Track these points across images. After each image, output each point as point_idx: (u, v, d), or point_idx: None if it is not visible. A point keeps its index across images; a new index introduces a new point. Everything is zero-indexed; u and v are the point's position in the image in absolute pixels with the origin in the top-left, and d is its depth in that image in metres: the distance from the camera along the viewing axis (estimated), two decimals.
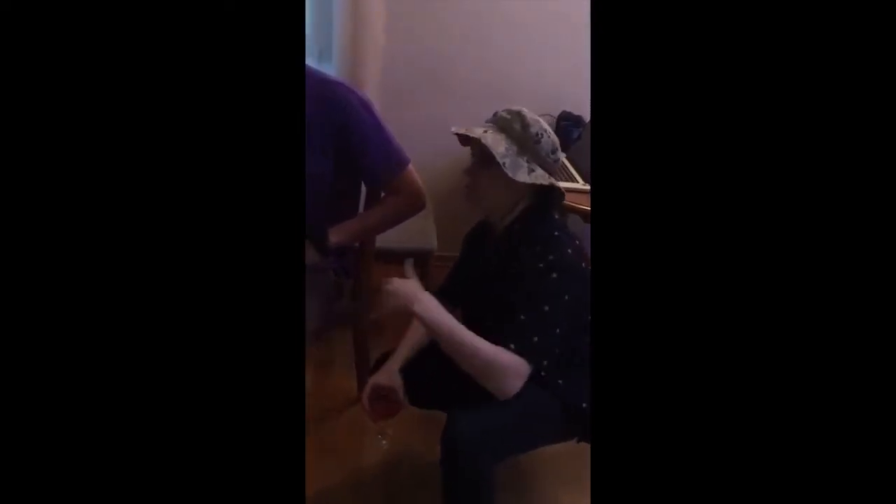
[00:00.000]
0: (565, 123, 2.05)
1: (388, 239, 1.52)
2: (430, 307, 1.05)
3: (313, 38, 2.01)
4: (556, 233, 1.11)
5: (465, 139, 1.15)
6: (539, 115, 1.13)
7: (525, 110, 1.12)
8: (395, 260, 2.06)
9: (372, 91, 1.97)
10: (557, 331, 1.06)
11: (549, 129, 1.13)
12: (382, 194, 1.39)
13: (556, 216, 1.16)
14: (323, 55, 2.02)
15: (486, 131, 1.10)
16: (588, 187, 1.68)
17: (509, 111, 1.12)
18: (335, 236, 1.29)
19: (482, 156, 1.11)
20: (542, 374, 1.05)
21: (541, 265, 1.05)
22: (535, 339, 1.04)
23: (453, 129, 1.13)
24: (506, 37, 2.09)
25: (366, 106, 1.28)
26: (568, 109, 2.09)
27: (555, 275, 1.05)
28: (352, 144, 1.27)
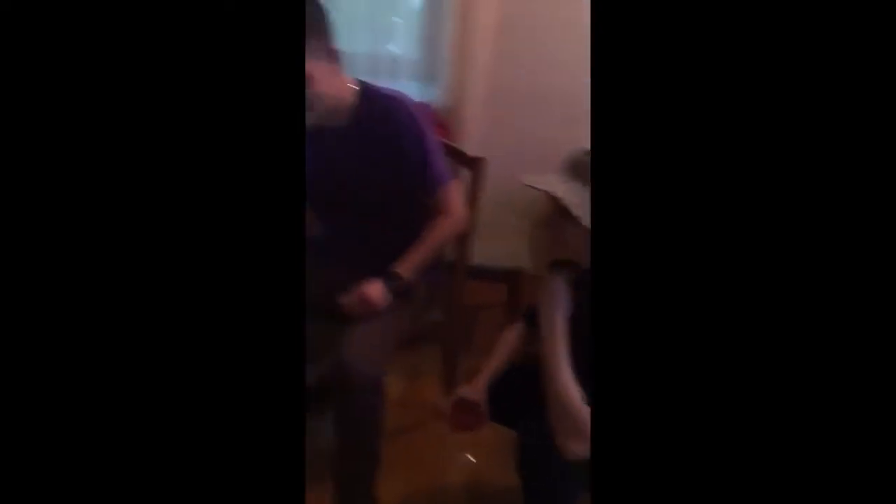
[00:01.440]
0: None
1: (481, 256, 1.54)
2: (559, 324, 1.00)
3: (422, 61, 2.09)
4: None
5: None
6: None
7: None
8: (488, 278, 2.08)
9: (475, 114, 2.02)
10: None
11: None
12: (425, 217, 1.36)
13: None
14: (430, 77, 2.10)
15: (560, 180, 0.99)
16: None
17: (587, 153, 0.99)
18: (409, 272, 1.31)
19: (558, 206, 0.99)
20: None
21: None
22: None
23: (525, 182, 1.02)
24: None
25: (413, 118, 1.27)
26: None
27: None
28: (399, 157, 1.28)
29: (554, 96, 2.12)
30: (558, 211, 1.01)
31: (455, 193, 1.34)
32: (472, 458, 1.23)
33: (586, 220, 0.96)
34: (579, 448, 0.95)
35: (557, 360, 0.98)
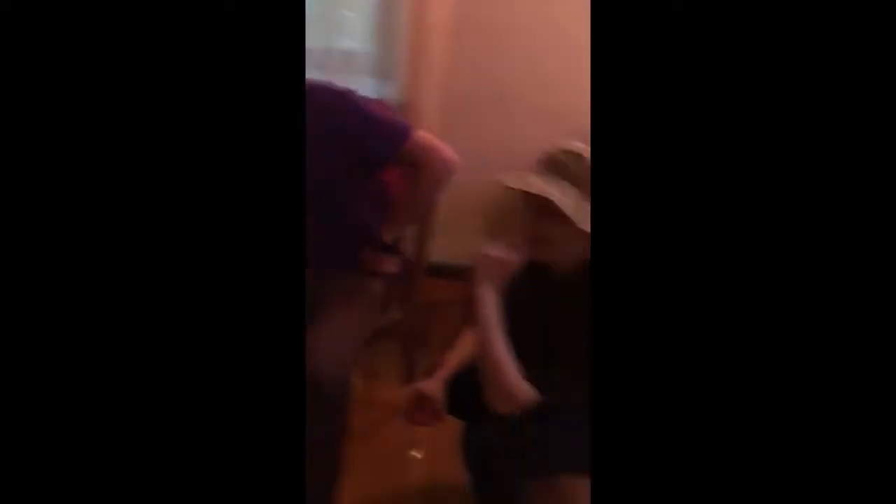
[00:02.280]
0: None
1: (441, 253, 1.54)
2: (492, 303, 1.00)
3: (377, 59, 2.07)
4: None
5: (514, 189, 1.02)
6: (576, 149, 1.04)
7: (581, 147, 1.01)
8: (447, 275, 2.07)
9: (431, 112, 2.01)
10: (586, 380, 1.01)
11: None
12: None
13: None
14: (385, 75, 2.08)
15: (542, 180, 0.98)
16: None
17: (565, 152, 1.01)
18: (387, 233, 1.32)
19: (543, 205, 0.99)
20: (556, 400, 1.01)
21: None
22: (556, 376, 1.01)
23: (507, 183, 1.01)
24: (566, 55, 2.09)
25: (349, 97, 1.25)
26: None
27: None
28: (353, 139, 1.25)
29: (511, 94, 2.14)
30: (541, 211, 1.00)
31: (424, 138, 1.27)
32: (417, 455, 1.24)
33: (577, 218, 0.96)
34: (508, 408, 1.00)
35: (492, 330, 1.00)
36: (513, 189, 1.01)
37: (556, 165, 1.00)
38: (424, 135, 1.28)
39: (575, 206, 0.97)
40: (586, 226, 0.97)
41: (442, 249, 1.67)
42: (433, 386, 1.21)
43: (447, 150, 1.29)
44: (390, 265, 1.33)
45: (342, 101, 1.25)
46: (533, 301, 1.16)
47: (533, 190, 0.98)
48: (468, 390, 1.19)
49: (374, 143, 1.26)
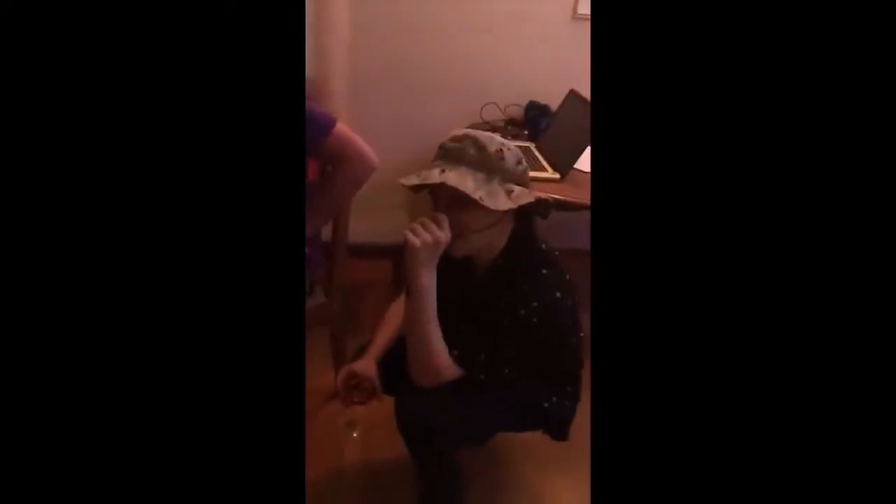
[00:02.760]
0: (533, 113, 2.07)
1: (360, 233, 1.52)
2: (427, 285, 0.99)
3: None
4: (543, 270, 1.02)
5: (418, 188, 1.01)
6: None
7: (470, 130, 1.00)
8: (368, 255, 2.06)
9: (339, 90, 1.96)
10: (513, 359, 1.05)
11: (507, 142, 1.01)
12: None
13: (543, 246, 1.08)
14: None
15: (442, 171, 0.96)
16: (558, 175, 1.71)
17: (455, 138, 0.98)
18: (308, 226, 1.29)
19: (450, 198, 0.97)
20: (481, 377, 1.05)
21: (522, 312, 0.99)
22: (483, 356, 1.04)
23: (402, 182, 0.99)
24: (470, 31, 2.10)
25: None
26: (535, 99, 2.11)
27: (535, 320, 1.00)
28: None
29: (418, 71, 2.12)
30: (449, 203, 0.98)
31: (347, 135, 1.25)
32: (354, 434, 1.26)
33: (482, 197, 0.95)
34: (430, 381, 1.04)
35: (423, 306, 1.00)
36: (411, 186, 1.00)
37: (449, 154, 0.99)
38: (347, 130, 1.25)
39: (475, 186, 0.95)
40: (499, 205, 0.97)
41: (361, 229, 1.65)
42: (366, 365, 1.22)
43: (368, 149, 1.27)
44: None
45: None
46: (461, 291, 1.17)
47: (429, 181, 0.97)
48: (400, 366, 1.21)
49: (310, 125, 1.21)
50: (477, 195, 0.95)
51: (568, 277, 1.05)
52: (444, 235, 0.97)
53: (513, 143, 1.02)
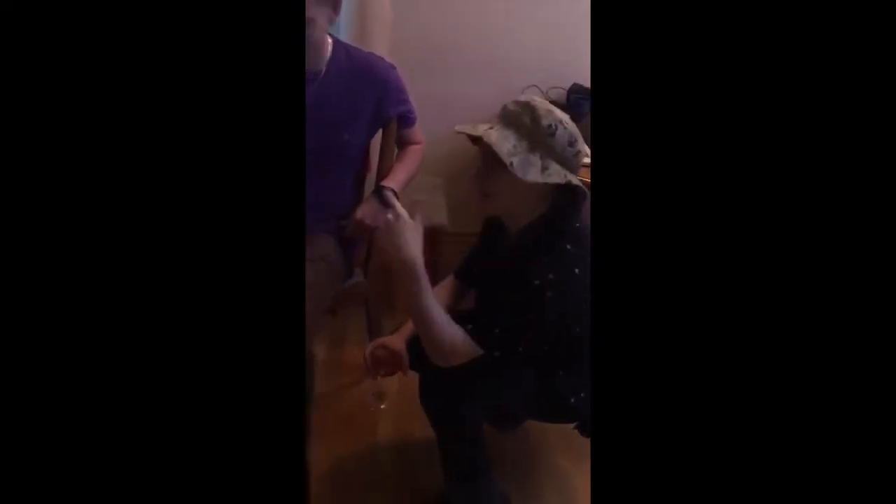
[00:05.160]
0: (576, 97, 2.02)
1: None
2: (416, 266, 0.97)
3: None
4: (567, 246, 1.01)
5: (472, 137, 1.04)
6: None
7: (536, 100, 1.01)
8: None
9: None
10: (529, 335, 1.03)
11: (566, 119, 1.01)
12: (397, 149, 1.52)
13: (577, 224, 1.05)
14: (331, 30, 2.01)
15: (491, 127, 0.99)
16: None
17: (518, 103, 1.00)
18: (398, 187, 1.40)
19: (491, 156, 0.99)
20: (495, 354, 1.03)
21: (537, 282, 0.98)
22: (497, 331, 1.03)
23: (457, 128, 1.02)
24: (514, 10, 2.06)
25: (394, 69, 1.42)
26: (579, 82, 2.06)
27: (549, 293, 0.99)
28: (387, 107, 1.40)
29: (457, 49, 2.10)
30: (488, 160, 1.01)
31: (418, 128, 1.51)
32: (382, 405, 1.29)
33: (515, 164, 0.96)
34: (448, 359, 1.03)
35: (420, 291, 0.99)
36: (462, 134, 1.02)
37: (506, 116, 1.01)
38: None
39: (512, 151, 0.96)
40: (527, 175, 0.97)
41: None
42: (395, 339, 1.24)
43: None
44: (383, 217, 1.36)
45: (395, 74, 1.42)
46: (493, 259, 1.17)
47: (473, 132, 0.99)
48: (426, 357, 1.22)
49: (407, 112, 1.45)
50: (509, 160, 0.96)
51: (565, 292, 1.03)
52: (416, 222, 0.99)
53: (573, 126, 1.01)
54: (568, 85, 2.07)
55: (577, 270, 1.00)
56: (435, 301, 1.01)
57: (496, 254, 1.17)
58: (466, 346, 1.03)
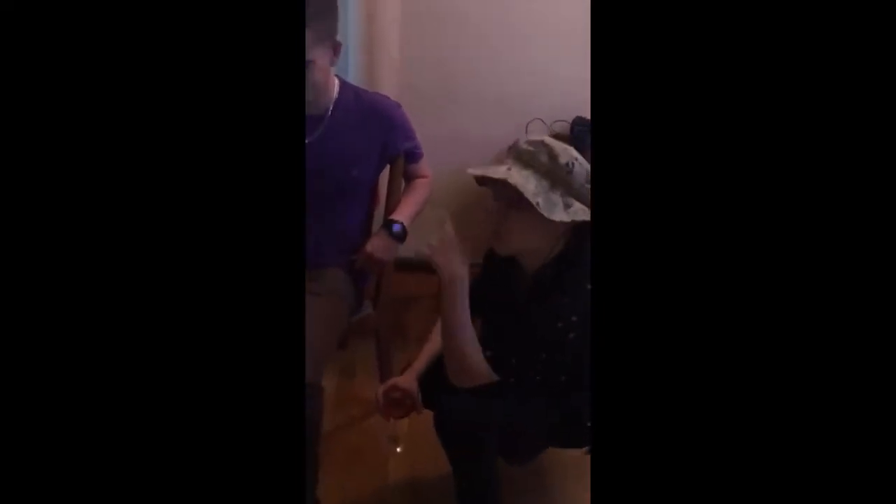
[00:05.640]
0: (580, 129, 2.06)
1: (407, 248, 1.55)
2: (462, 282, 1.01)
3: None
4: (588, 286, 1.00)
5: (483, 179, 1.04)
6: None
7: (549, 139, 1.03)
8: (415, 269, 2.08)
9: None
10: (545, 368, 1.05)
11: (580, 157, 1.02)
12: (404, 183, 1.54)
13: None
14: (339, 69, 2.07)
15: (509, 168, 0.99)
16: None
17: (531, 142, 1.02)
18: (407, 220, 1.43)
19: (509, 196, 1.00)
20: (511, 381, 1.05)
21: (560, 325, 1.00)
22: (513, 360, 1.04)
23: (470, 171, 1.04)
24: (515, 46, 2.12)
25: (400, 108, 1.47)
26: (581, 115, 2.10)
27: (572, 335, 1.00)
28: (394, 144, 1.44)
29: (465, 86, 2.15)
30: (505, 200, 1.02)
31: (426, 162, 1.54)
32: (398, 449, 1.27)
33: (540, 203, 0.97)
34: (464, 380, 1.04)
35: (457, 306, 1.02)
36: (475, 176, 1.04)
37: (521, 156, 1.02)
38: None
39: (536, 191, 0.98)
40: (553, 214, 0.98)
41: (408, 243, 1.68)
42: (407, 379, 1.23)
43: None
44: (382, 251, 1.40)
45: (402, 113, 1.47)
46: (505, 293, 1.18)
47: (493, 175, 1.00)
48: (442, 380, 1.22)
49: (413, 147, 1.48)
50: (535, 200, 0.97)
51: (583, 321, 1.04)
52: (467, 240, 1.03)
53: (587, 163, 1.03)
54: (571, 118, 2.10)
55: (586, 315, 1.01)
56: (469, 320, 1.03)
57: (509, 288, 1.16)
58: (483, 370, 1.03)
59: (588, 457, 1.19)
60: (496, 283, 1.21)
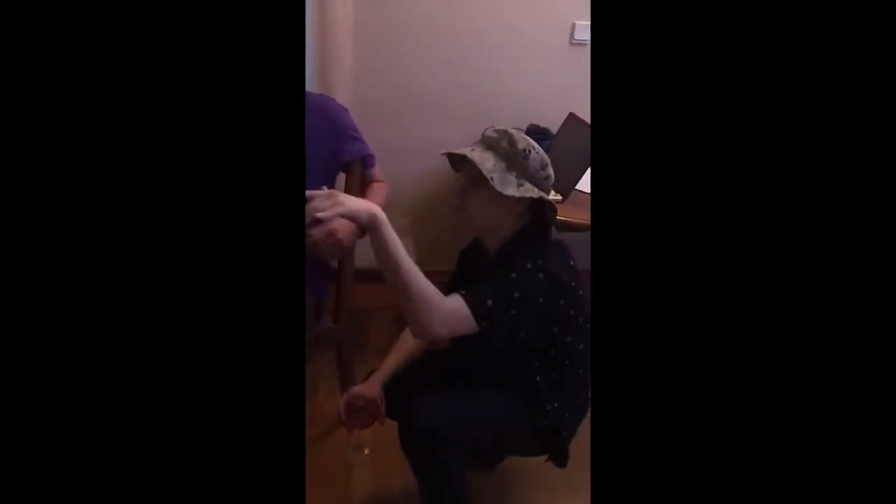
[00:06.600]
0: (534, 136, 2.08)
1: (367, 258, 1.54)
2: (378, 214, 0.96)
3: None
4: (550, 249, 1.12)
5: (456, 163, 1.16)
6: (508, 129, 1.14)
7: (512, 129, 1.13)
8: (375, 279, 2.06)
9: None
10: (517, 317, 1.04)
11: (538, 147, 1.13)
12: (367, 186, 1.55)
13: (553, 237, 1.16)
14: None
15: (473, 150, 1.10)
16: (560, 197, 1.72)
17: (496, 130, 1.13)
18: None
19: (471, 176, 1.11)
20: (483, 325, 1.02)
21: (529, 265, 1.06)
22: (489, 302, 1.02)
23: (442, 153, 1.14)
24: (469, 55, 2.13)
25: (345, 111, 1.48)
26: (534, 122, 2.13)
27: (541, 275, 1.05)
28: (343, 148, 1.46)
29: (416, 94, 2.15)
30: (470, 178, 1.11)
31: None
32: (365, 451, 1.26)
33: (495, 179, 1.06)
34: (434, 323, 0.99)
35: (400, 254, 0.98)
36: (449, 157, 1.14)
37: (486, 140, 1.13)
38: None
39: (493, 168, 1.07)
40: (506, 190, 1.07)
41: (367, 253, 1.67)
42: (370, 387, 1.22)
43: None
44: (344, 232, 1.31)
45: (347, 116, 1.47)
46: (474, 275, 1.21)
47: (459, 152, 1.10)
48: (406, 390, 1.21)
49: (364, 150, 1.49)
50: (490, 175, 1.07)
51: (573, 264, 1.15)
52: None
53: (544, 153, 1.14)
54: (525, 125, 2.14)
55: (561, 266, 1.09)
56: (413, 264, 0.98)
57: (476, 270, 1.22)
58: (455, 308, 1.00)
59: (549, 464, 1.21)
60: (467, 269, 1.29)
